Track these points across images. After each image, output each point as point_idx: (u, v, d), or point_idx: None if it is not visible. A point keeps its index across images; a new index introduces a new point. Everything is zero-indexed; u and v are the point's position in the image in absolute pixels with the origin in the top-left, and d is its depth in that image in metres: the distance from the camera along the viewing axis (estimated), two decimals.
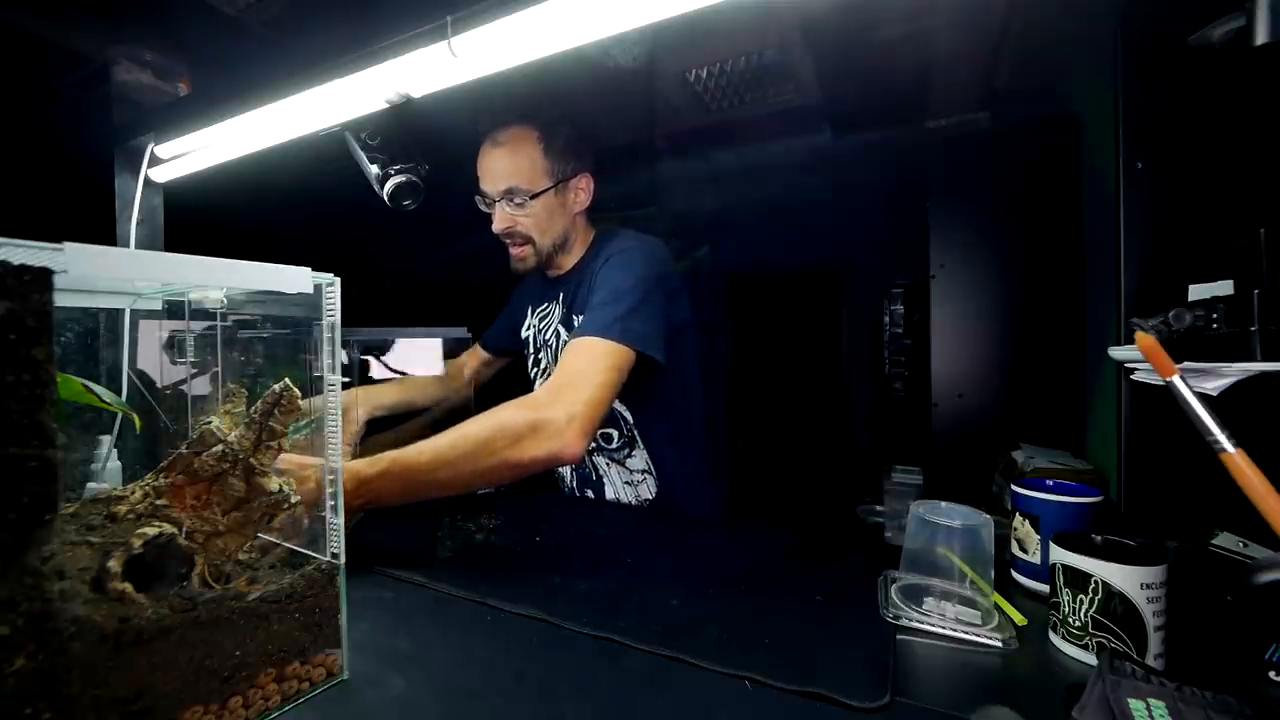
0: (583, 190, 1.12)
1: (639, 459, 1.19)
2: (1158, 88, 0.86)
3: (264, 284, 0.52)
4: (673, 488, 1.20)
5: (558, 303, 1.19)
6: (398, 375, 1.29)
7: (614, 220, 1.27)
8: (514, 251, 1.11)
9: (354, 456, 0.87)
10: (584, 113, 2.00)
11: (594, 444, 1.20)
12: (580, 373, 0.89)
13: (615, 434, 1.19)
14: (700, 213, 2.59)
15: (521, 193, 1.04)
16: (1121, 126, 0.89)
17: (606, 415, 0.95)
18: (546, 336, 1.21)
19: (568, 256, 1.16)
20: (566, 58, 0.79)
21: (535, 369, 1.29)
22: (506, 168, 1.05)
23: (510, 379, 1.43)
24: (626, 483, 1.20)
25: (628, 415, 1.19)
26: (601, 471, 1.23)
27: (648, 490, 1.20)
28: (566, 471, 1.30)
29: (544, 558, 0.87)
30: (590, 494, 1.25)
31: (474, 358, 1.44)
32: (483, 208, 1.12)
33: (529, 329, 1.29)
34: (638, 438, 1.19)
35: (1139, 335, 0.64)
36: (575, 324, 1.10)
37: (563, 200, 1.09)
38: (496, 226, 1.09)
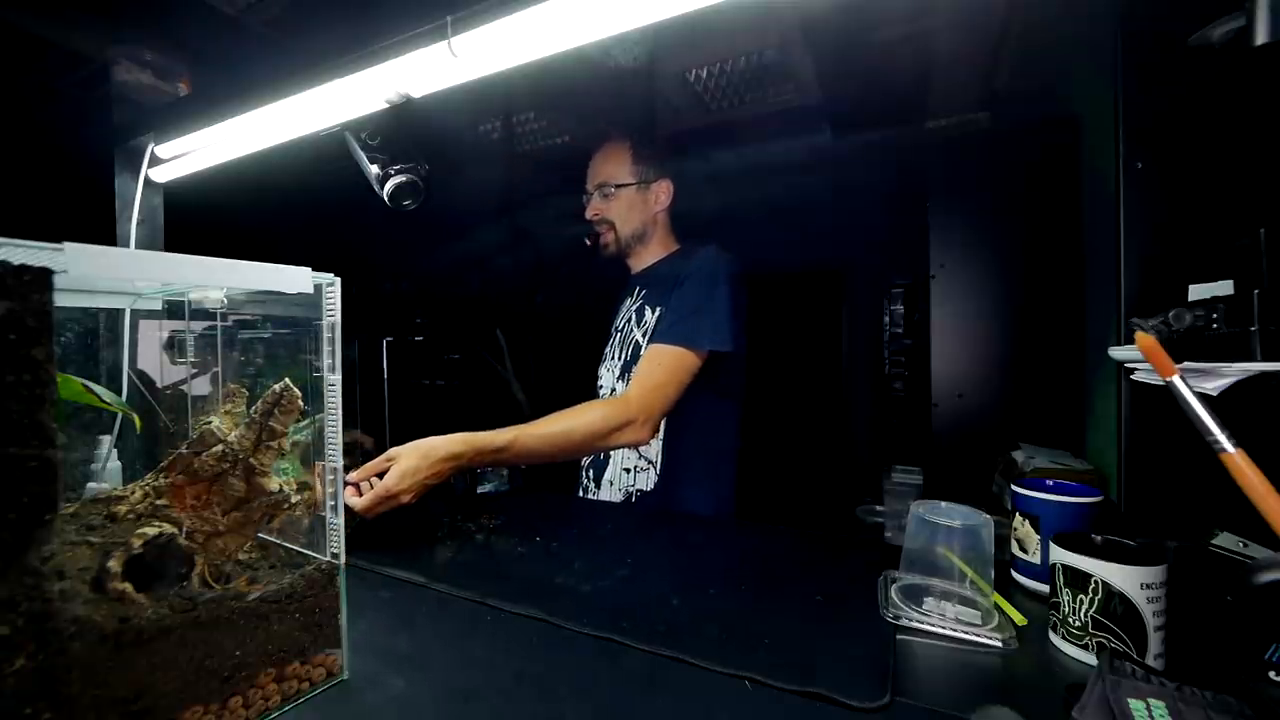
0: (663, 193, 1.32)
1: (651, 448, 1.22)
2: (1158, 88, 0.86)
3: (264, 284, 0.52)
4: (672, 482, 1.22)
5: (633, 295, 1.35)
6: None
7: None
8: (601, 237, 1.33)
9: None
10: (584, 113, 2.00)
11: None
12: (657, 382, 1.10)
13: None
14: (700, 213, 2.58)
15: (609, 185, 1.28)
16: (1121, 126, 0.89)
17: None
18: (620, 323, 1.36)
19: (646, 250, 1.34)
20: (567, 58, 0.79)
21: (604, 357, 1.39)
22: (602, 167, 1.30)
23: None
24: (625, 469, 1.24)
25: None
26: (610, 452, 1.27)
27: (645, 482, 1.23)
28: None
29: (544, 558, 0.87)
30: (592, 473, 1.29)
31: None
32: (585, 202, 1.34)
33: (614, 329, 1.41)
34: (664, 423, 1.20)
35: (1139, 335, 0.64)
36: (647, 314, 1.26)
37: (644, 198, 1.30)
38: (588, 214, 1.32)
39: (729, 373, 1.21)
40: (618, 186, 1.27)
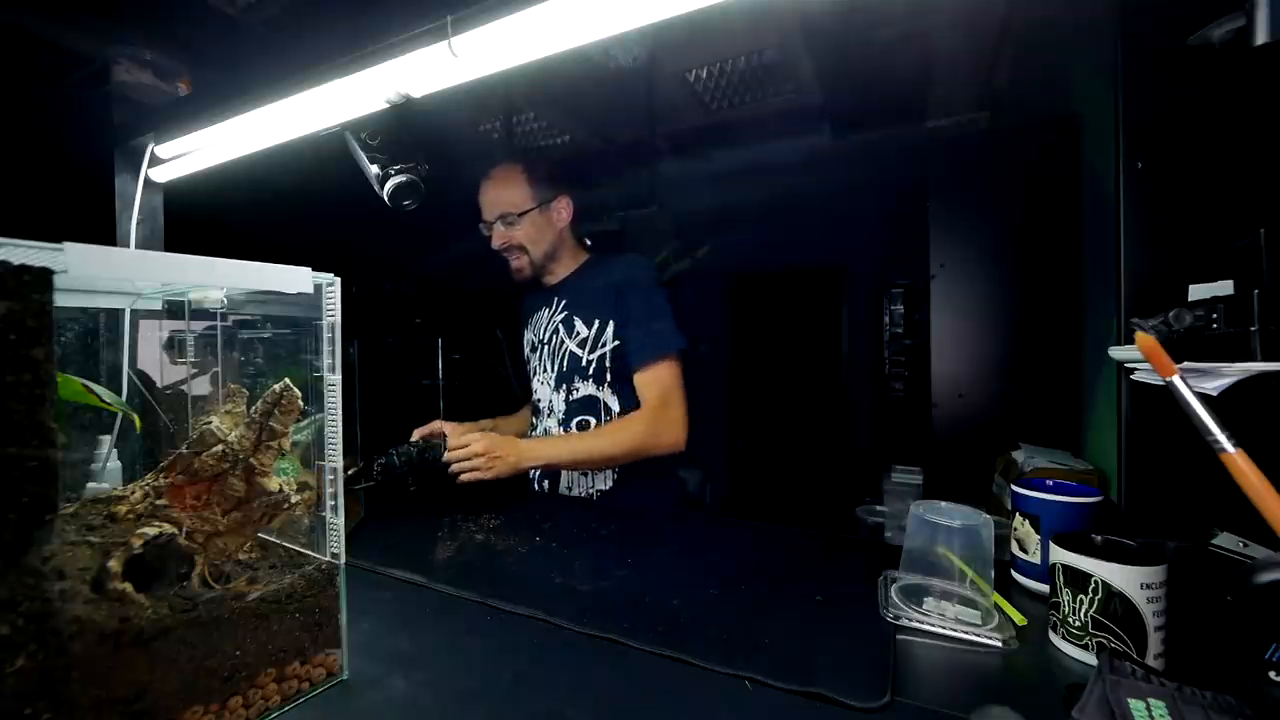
0: (565, 209, 1.32)
1: None
2: (1158, 88, 0.86)
3: (265, 284, 0.52)
4: (629, 481, 1.24)
5: (551, 306, 1.35)
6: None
7: (615, 219, 1.31)
8: (513, 263, 1.32)
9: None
10: (584, 113, 2.00)
11: (565, 431, 1.28)
12: (670, 389, 1.21)
13: (593, 422, 1.25)
14: (700, 212, 2.59)
15: (510, 213, 1.27)
16: (1121, 126, 0.89)
17: (591, 403, 1.26)
18: (544, 336, 1.35)
19: (559, 265, 1.35)
20: (566, 58, 0.79)
21: (533, 370, 1.39)
22: (499, 196, 1.28)
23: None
24: (582, 473, 1.26)
25: (614, 404, 1.25)
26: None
27: (604, 482, 1.25)
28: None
29: (544, 558, 0.87)
30: (548, 482, 1.30)
31: (530, 408, 1.52)
32: (485, 233, 1.32)
33: (527, 344, 1.43)
34: None
35: (1139, 335, 0.64)
36: (579, 325, 1.27)
37: (547, 217, 1.30)
38: (495, 244, 1.31)
39: None
40: (520, 214, 1.27)
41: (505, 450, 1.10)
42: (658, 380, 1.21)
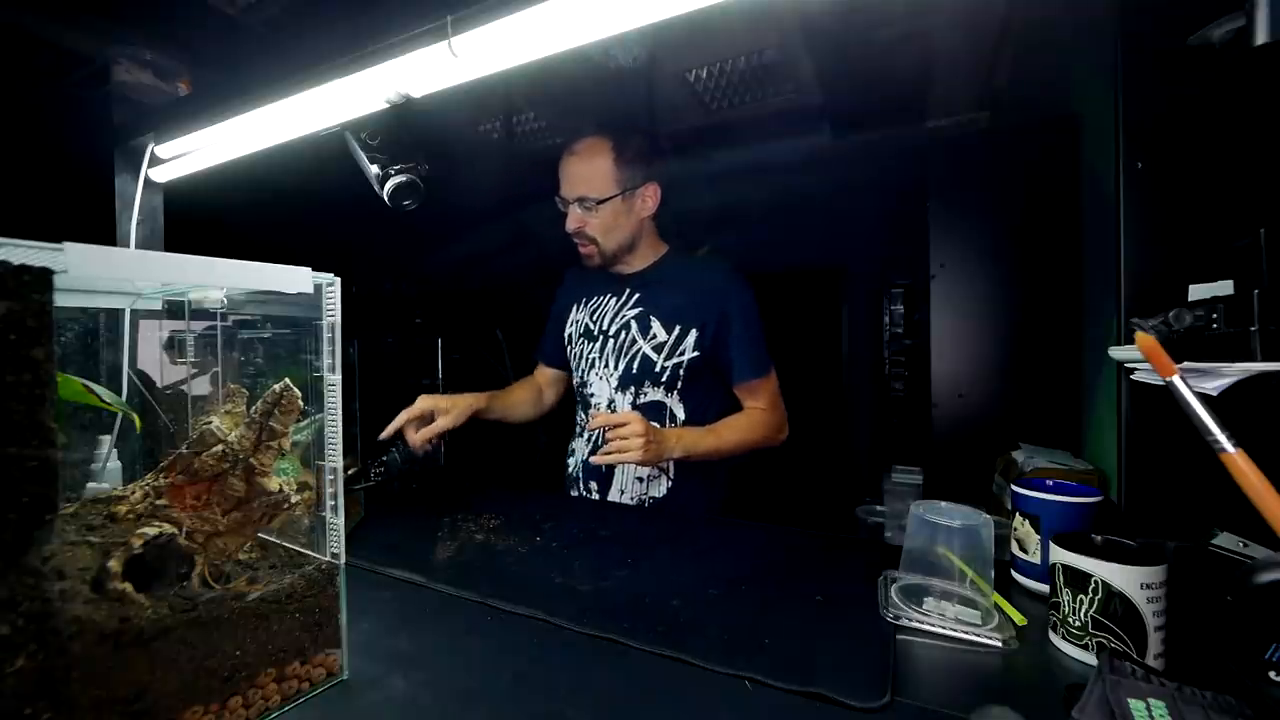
0: (650, 198, 1.22)
1: None
2: (1157, 88, 0.86)
3: (265, 284, 0.52)
4: (684, 488, 1.20)
5: (621, 298, 1.27)
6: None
7: None
8: (583, 250, 1.24)
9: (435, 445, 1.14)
10: (584, 113, 2.00)
11: None
12: (777, 395, 1.25)
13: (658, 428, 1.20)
14: (700, 212, 2.58)
15: (590, 199, 1.16)
16: (1121, 126, 0.89)
17: (657, 409, 1.21)
18: (607, 326, 1.26)
19: (635, 256, 1.26)
20: (566, 57, 0.79)
21: (586, 360, 1.29)
22: (581, 175, 1.17)
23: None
24: (638, 478, 1.21)
25: (680, 413, 1.20)
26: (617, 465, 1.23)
27: (659, 489, 1.20)
28: (573, 461, 1.32)
29: (544, 558, 0.87)
30: (595, 484, 1.25)
31: (542, 377, 1.46)
32: (561, 208, 1.23)
33: (573, 324, 1.34)
34: None
35: (1139, 335, 0.64)
36: (655, 328, 1.21)
37: (630, 206, 1.20)
38: (569, 226, 1.21)
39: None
40: (600, 202, 1.16)
41: (661, 435, 1.05)
42: (764, 390, 1.22)
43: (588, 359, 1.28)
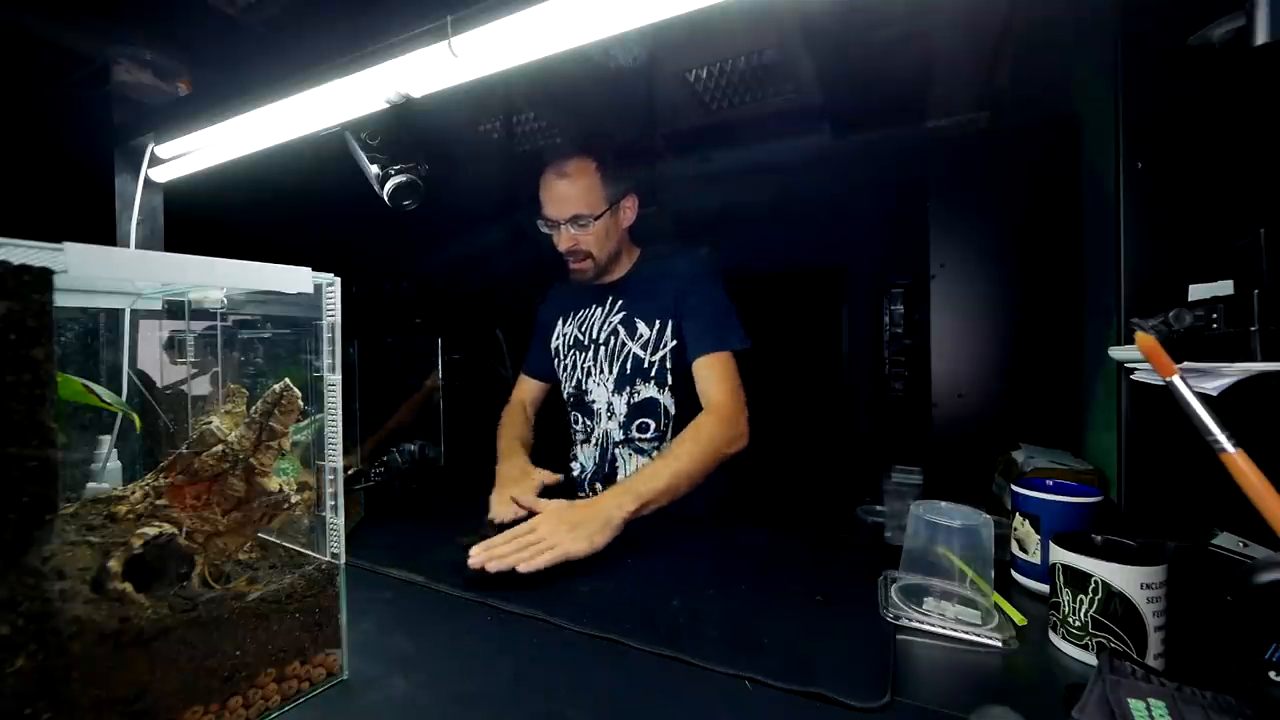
0: (629, 209, 1.26)
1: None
2: (1158, 88, 0.86)
3: (265, 284, 0.52)
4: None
5: (605, 305, 1.30)
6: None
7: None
8: (576, 266, 1.24)
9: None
10: (584, 113, 2.01)
11: (626, 435, 1.24)
12: (735, 387, 1.14)
13: (653, 425, 1.22)
14: (700, 212, 2.59)
15: (585, 217, 1.18)
16: (1121, 127, 0.89)
17: (651, 406, 1.21)
18: (598, 335, 1.29)
19: (618, 265, 1.29)
20: (566, 57, 0.79)
21: (580, 369, 1.31)
22: (572, 196, 1.18)
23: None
24: None
25: (672, 407, 1.21)
26: (620, 463, 1.25)
27: None
28: (578, 466, 1.32)
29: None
30: (600, 487, 1.26)
31: (525, 393, 1.46)
32: (544, 229, 1.23)
33: (559, 337, 1.37)
34: (670, 432, 1.21)
35: (1139, 335, 0.64)
36: (640, 327, 1.23)
37: (616, 220, 1.23)
38: (562, 247, 1.22)
39: None
40: (596, 217, 1.18)
41: (588, 511, 0.89)
42: (718, 374, 1.14)
43: (582, 367, 1.31)
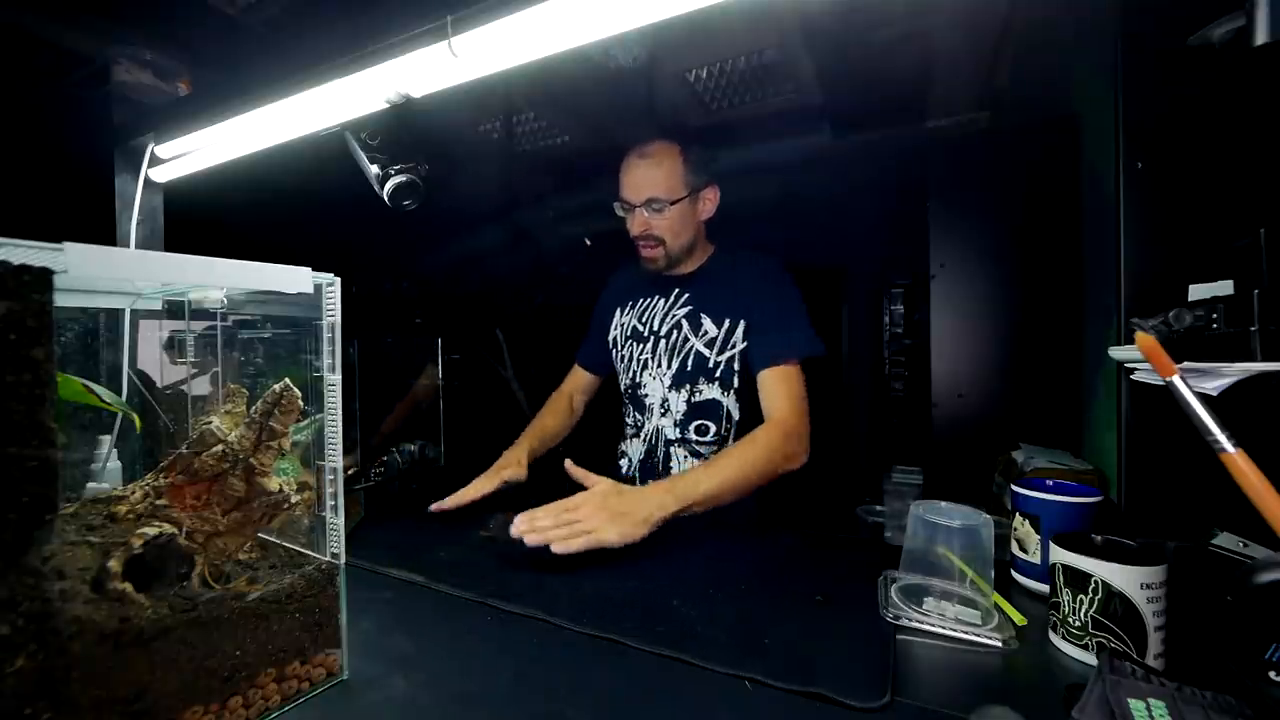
0: (710, 200, 1.24)
1: None
2: (1158, 88, 0.86)
3: (265, 284, 0.52)
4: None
5: (670, 298, 1.27)
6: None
7: (617, 218, 1.28)
8: (647, 253, 1.23)
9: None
10: (584, 113, 2.00)
11: (682, 435, 1.21)
12: (801, 400, 1.12)
13: (713, 428, 1.19)
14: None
15: (661, 201, 1.16)
16: (1121, 127, 0.89)
17: (713, 408, 1.19)
18: (658, 327, 1.27)
19: (691, 258, 1.27)
20: (566, 58, 0.79)
21: (637, 361, 1.29)
22: (651, 178, 1.17)
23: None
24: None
25: (735, 412, 1.19)
26: (675, 463, 1.22)
27: None
28: (626, 461, 1.30)
29: (545, 558, 0.87)
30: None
31: (573, 384, 1.44)
32: (620, 213, 1.23)
33: (618, 327, 1.34)
34: (731, 438, 1.18)
35: (1139, 335, 0.64)
36: (706, 324, 1.20)
37: (694, 209, 1.21)
38: (635, 230, 1.21)
39: None
40: (672, 203, 1.16)
41: (634, 499, 0.88)
42: (784, 386, 1.11)
43: (639, 360, 1.28)
